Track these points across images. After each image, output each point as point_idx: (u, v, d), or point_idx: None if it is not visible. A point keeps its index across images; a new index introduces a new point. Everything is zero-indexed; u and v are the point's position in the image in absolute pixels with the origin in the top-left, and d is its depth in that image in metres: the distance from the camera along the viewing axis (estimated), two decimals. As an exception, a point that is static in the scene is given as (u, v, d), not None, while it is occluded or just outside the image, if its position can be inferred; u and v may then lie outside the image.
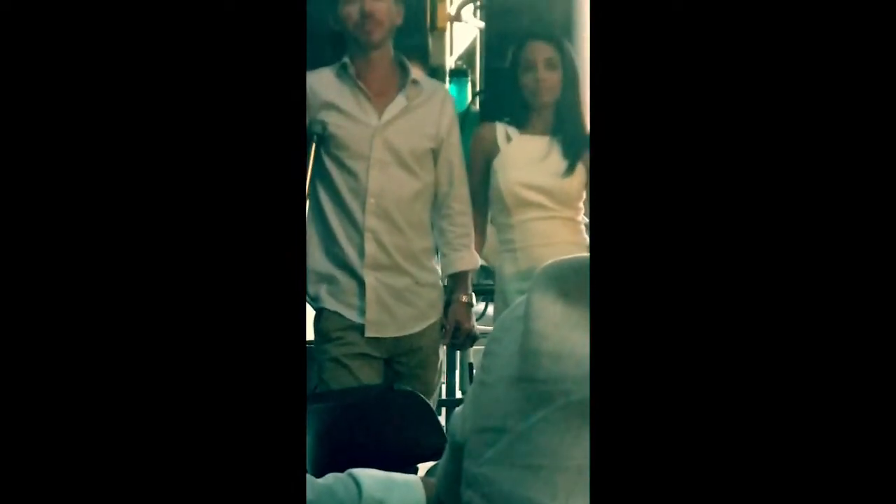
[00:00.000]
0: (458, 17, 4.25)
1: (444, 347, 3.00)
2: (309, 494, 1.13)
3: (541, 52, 2.99)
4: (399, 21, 2.73)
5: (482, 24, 4.19)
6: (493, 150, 3.02)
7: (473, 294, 2.95)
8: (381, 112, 2.72)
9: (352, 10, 2.65)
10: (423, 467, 1.69)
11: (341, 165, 2.69)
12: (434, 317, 2.81)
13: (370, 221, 2.69)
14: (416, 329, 2.77)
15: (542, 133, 3.02)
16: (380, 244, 2.69)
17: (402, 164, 2.72)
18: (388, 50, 2.76)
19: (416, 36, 3.37)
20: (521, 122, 3.04)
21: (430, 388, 2.81)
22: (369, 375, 2.69)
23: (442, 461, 1.15)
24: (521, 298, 1.04)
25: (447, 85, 3.65)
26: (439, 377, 3.04)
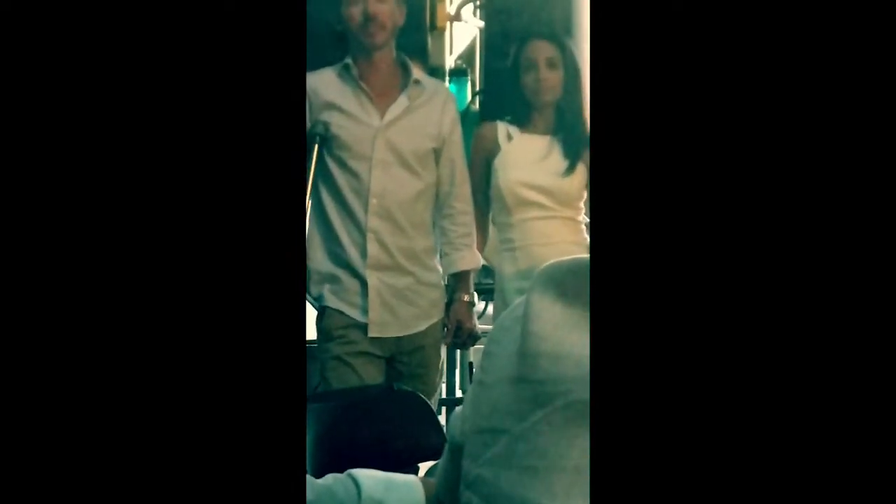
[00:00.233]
0: (457, 17, 4.26)
1: (445, 347, 3.00)
2: (308, 495, 1.13)
3: (542, 51, 2.99)
4: (401, 22, 2.75)
5: (482, 24, 4.19)
6: (493, 150, 3.02)
7: (475, 293, 2.95)
8: (383, 112, 2.73)
9: (355, 12, 2.66)
10: (424, 467, 1.69)
11: (343, 166, 2.70)
12: (436, 316, 2.82)
13: (372, 222, 2.70)
14: (419, 328, 2.78)
15: (543, 132, 3.03)
16: (382, 244, 2.71)
17: (405, 165, 2.73)
18: (391, 50, 2.77)
19: (416, 35, 3.37)
20: (522, 121, 3.05)
21: (431, 388, 2.82)
22: (371, 374, 2.70)
23: (441, 461, 1.15)
24: (520, 299, 1.04)
25: (447, 84, 3.64)
26: (440, 377, 3.05)
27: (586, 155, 2.98)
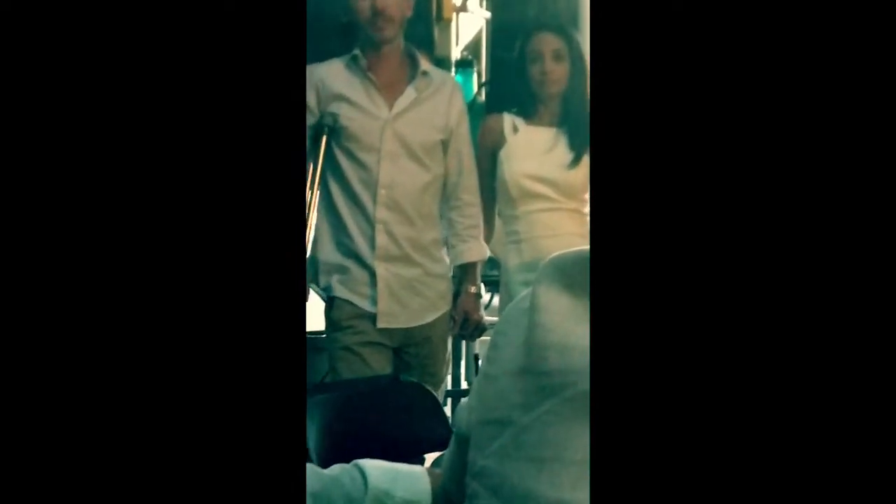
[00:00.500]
0: (463, 8, 4.25)
1: (452, 338, 3.01)
2: (315, 485, 1.14)
3: (548, 43, 2.98)
4: (409, 14, 2.74)
5: (488, 15, 4.19)
6: (499, 141, 3.01)
7: (482, 285, 2.95)
8: (391, 104, 2.73)
9: (363, 6, 2.66)
10: (429, 458, 1.70)
11: (352, 157, 2.70)
12: (443, 307, 2.82)
13: (381, 213, 2.70)
14: (427, 320, 2.78)
15: (549, 124, 3.02)
16: (391, 235, 2.71)
17: (413, 156, 2.73)
18: (399, 43, 2.76)
19: (422, 26, 3.37)
20: (528, 113, 3.04)
21: (437, 379, 2.83)
22: (380, 364, 2.70)
23: (448, 452, 1.15)
24: (526, 291, 1.04)
25: (454, 75, 3.64)
26: (447, 368, 3.05)
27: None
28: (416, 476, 1.19)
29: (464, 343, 3.53)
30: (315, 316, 2.85)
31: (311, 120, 2.68)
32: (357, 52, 2.73)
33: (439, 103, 2.78)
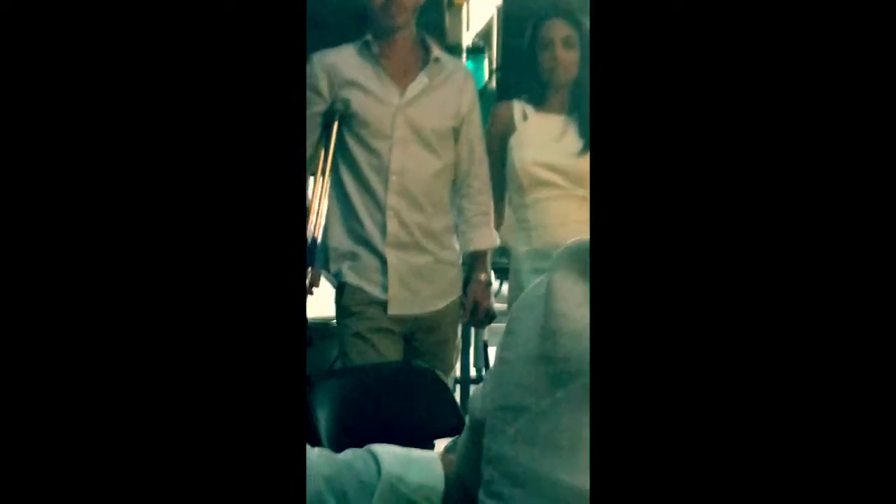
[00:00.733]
0: (475, -6, 4.25)
1: (461, 325, 3.01)
2: (328, 470, 1.14)
3: (559, 30, 2.98)
4: (422, 0, 2.73)
5: (499, 2, 4.19)
6: (509, 129, 3.01)
7: (492, 272, 2.95)
8: (402, 91, 2.73)
9: None
10: (440, 444, 1.70)
11: (364, 144, 2.70)
12: (453, 295, 2.82)
13: (392, 200, 2.70)
14: (437, 307, 2.78)
15: (559, 112, 3.01)
16: (401, 222, 2.71)
17: (424, 143, 2.73)
18: (411, 29, 2.76)
19: (434, 12, 3.37)
20: (538, 100, 3.03)
21: (447, 366, 2.83)
22: (390, 350, 2.70)
23: (462, 438, 1.16)
24: (541, 278, 1.04)
25: (465, 62, 3.64)
26: (457, 356, 3.05)
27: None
28: (429, 461, 1.19)
29: (473, 330, 3.54)
30: (326, 302, 2.85)
31: (322, 106, 2.68)
32: (369, 37, 2.72)
33: (451, 90, 2.78)
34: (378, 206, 2.70)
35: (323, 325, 2.90)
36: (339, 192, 2.75)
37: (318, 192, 2.67)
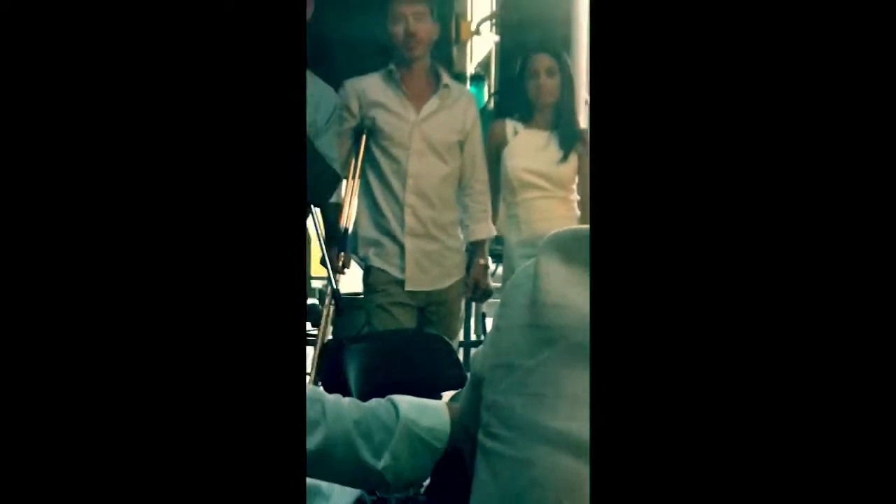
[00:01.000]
0: (477, 32, 4.25)
1: (464, 300, 3.01)
2: (357, 415, 1.13)
3: (543, 62, 2.99)
4: (436, 37, 2.73)
5: (497, 38, 4.17)
6: (503, 142, 3.03)
7: (489, 258, 2.95)
8: (419, 110, 2.72)
9: (398, 30, 2.65)
10: (446, 395, 1.69)
11: (386, 153, 2.70)
12: (458, 275, 2.81)
13: (409, 198, 2.70)
14: (445, 285, 2.77)
15: (543, 128, 3.02)
16: (417, 216, 2.71)
17: (436, 153, 2.72)
18: (426, 61, 2.75)
19: (444, 47, 3.37)
20: (526, 119, 3.04)
21: (452, 332, 2.85)
22: (406, 319, 2.71)
23: (465, 391, 1.15)
24: (530, 261, 1.04)
25: (469, 87, 3.63)
26: (460, 324, 3.06)
27: (578, 146, 2.99)
28: (438, 409, 1.19)
29: (473, 304, 3.53)
30: (355, 280, 2.86)
31: (353, 122, 2.69)
32: (392, 67, 2.72)
33: (457, 111, 2.78)
34: (398, 203, 2.70)
35: (352, 298, 2.90)
36: (366, 191, 2.75)
37: (349, 192, 2.68)
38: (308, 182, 2.26)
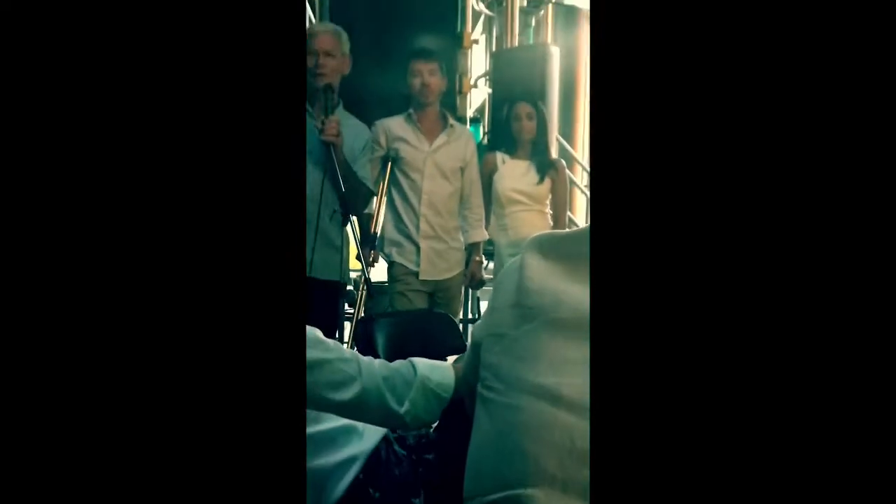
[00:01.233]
0: (475, 86, 4.24)
1: (464, 288, 3.01)
2: (385, 372, 1.13)
3: (524, 109, 3.02)
4: (444, 89, 2.74)
5: (490, 90, 4.17)
6: (494, 168, 3.03)
7: (483, 256, 2.96)
8: (431, 143, 2.71)
9: (416, 82, 2.66)
10: (451, 358, 1.69)
11: (406, 176, 2.69)
12: (459, 269, 2.80)
13: (423, 210, 2.69)
14: (449, 276, 2.76)
15: (524, 158, 3.03)
16: (429, 223, 2.70)
17: (443, 176, 2.72)
18: (436, 107, 2.75)
19: (450, 97, 3.37)
20: (511, 151, 3.05)
21: (455, 312, 2.85)
22: (420, 302, 2.71)
23: (466, 354, 1.15)
24: (516, 257, 1.03)
25: (469, 127, 3.63)
26: (461, 305, 3.06)
27: (550, 172, 3.01)
28: (446, 368, 1.19)
29: (470, 291, 3.53)
30: (382, 272, 2.87)
31: (381, 152, 2.68)
32: (411, 111, 2.72)
33: (460, 145, 2.77)
34: (415, 213, 2.69)
35: (379, 285, 2.89)
36: (391, 204, 2.74)
37: (378, 205, 2.69)
38: (347, 197, 2.27)
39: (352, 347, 2.40)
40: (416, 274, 2.70)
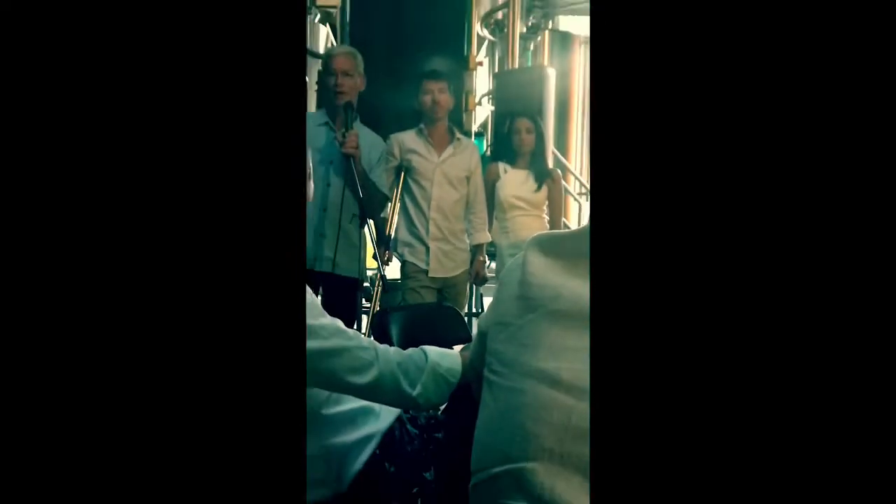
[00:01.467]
0: (479, 103, 4.24)
1: (469, 284, 3.01)
2: (399, 358, 1.13)
3: (523, 124, 3.01)
4: (452, 106, 2.73)
5: (493, 108, 4.17)
6: (496, 177, 3.03)
7: (486, 256, 2.96)
8: (440, 155, 2.70)
9: (427, 99, 2.65)
10: (458, 347, 1.69)
11: (417, 184, 2.69)
12: (465, 267, 2.79)
13: (433, 214, 2.68)
14: (455, 273, 2.75)
15: (523, 168, 3.03)
16: (437, 226, 2.68)
17: (451, 184, 2.71)
18: (445, 122, 2.74)
19: (457, 113, 3.38)
20: (512, 162, 3.03)
21: (461, 306, 2.84)
22: (429, 297, 2.70)
23: (473, 342, 1.15)
24: (519, 254, 1.03)
25: (473, 140, 3.64)
26: (466, 300, 3.05)
27: (547, 181, 3.01)
28: (454, 355, 1.18)
29: (475, 287, 3.53)
30: (396, 270, 2.87)
31: (395, 163, 2.67)
32: (422, 125, 2.71)
33: (466, 156, 2.76)
34: (425, 217, 2.68)
35: (393, 282, 2.89)
36: (404, 210, 2.73)
37: (393, 210, 2.68)
38: (365, 203, 2.28)
39: (369, 337, 2.40)
40: (426, 272, 2.69)
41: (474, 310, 3.65)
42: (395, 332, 1.90)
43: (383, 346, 1.12)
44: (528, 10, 4.93)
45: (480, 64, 4.24)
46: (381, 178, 2.50)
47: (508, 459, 0.90)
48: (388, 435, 1.20)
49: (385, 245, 2.68)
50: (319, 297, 2.33)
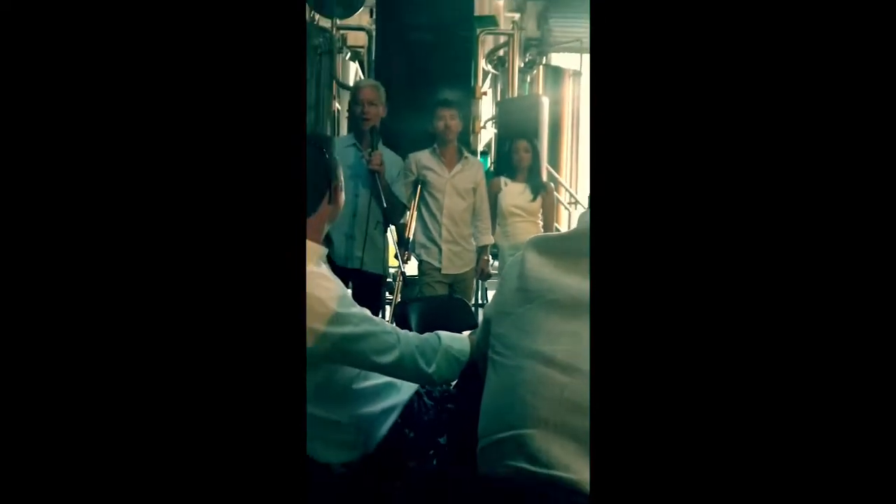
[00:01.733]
0: (484, 127, 4.23)
1: (476, 280, 3.01)
2: (417, 342, 1.13)
3: (522, 144, 3.03)
4: (461, 129, 2.73)
5: (495, 130, 4.16)
6: (499, 189, 3.04)
7: (490, 255, 2.95)
8: (450, 171, 2.70)
9: (440, 124, 2.65)
10: (466, 333, 1.68)
11: (431, 195, 2.69)
12: (472, 265, 2.79)
13: (445, 220, 2.68)
14: (464, 271, 2.75)
15: (521, 182, 3.04)
16: (448, 231, 2.68)
17: (460, 195, 2.71)
18: (455, 143, 2.74)
19: (465, 135, 3.36)
20: (512, 176, 3.04)
21: (468, 298, 2.83)
22: (442, 290, 2.71)
23: (479, 328, 1.14)
24: (518, 253, 1.03)
25: (479, 158, 3.64)
26: (473, 293, 3.05)
27: (542, 192, 3.01)
28: (464, 338, 1.18)
29: (480, 282, 3.53)
30: (413, 268, 2.87)
31: (413, 178, 2.67)
32: (435, 146, 2.71)
33: (473, 171, 2.76)
34: (438, 223, 2.68)
35: (412, 278, 2.90)
36: (420, 217, 2.74)
37: (411, 217, 2.69)
38: (388, 211, 2.30)
39: (392, 324, 2.41)
40: (439, 269, 2.70)
41: (480, 301, 3.63)
42: (413, 319, 1.90)
43: (404, 331, 1.12)
44: (525, 49, 4.97)
45: (485, 93, 4.24)
46: (401, 191, 2.52)
47: (510, 427, 0.90)
48: (408, 406, 1.20)
49: (404, 247, 2.68)
50: (350, 291, 2.34)
